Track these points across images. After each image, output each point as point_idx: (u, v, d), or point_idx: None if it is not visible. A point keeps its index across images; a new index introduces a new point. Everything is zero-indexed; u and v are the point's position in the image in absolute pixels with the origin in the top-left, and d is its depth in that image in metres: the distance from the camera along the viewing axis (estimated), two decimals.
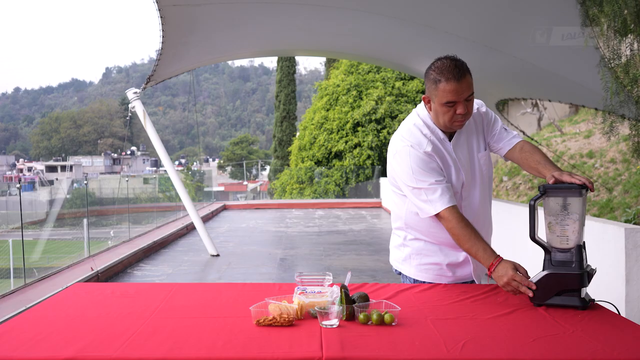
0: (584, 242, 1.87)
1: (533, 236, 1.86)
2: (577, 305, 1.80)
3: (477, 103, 2.19)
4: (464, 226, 1.98)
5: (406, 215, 2.19)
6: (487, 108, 2.24)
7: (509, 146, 2.18)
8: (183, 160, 67.98)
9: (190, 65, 9.09)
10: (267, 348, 1.49)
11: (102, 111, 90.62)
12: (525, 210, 4.96)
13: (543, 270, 1.85)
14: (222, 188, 43.67)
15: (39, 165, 73.35)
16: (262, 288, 2.12)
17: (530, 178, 12.54)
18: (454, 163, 2.11)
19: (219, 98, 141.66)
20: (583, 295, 1.81)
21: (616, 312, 1.82)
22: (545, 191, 1.83)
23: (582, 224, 1.83)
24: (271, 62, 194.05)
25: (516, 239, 4.83)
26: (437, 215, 2.03)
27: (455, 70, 1.96)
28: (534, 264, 2.06)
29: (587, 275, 1.81)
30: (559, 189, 1.83)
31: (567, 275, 1.81)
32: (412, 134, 2.10)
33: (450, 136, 2.13)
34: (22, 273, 6.13)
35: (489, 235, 2.28)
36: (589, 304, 1.82)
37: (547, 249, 1.86)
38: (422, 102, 2.13)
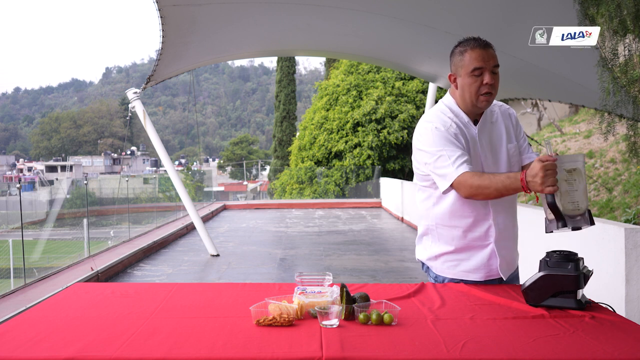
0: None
1: (554, 203, 1.82)
2: (572, 307, 1.80)
3: (506, 106, 2.25)
4: (480, 175, 1.95)
5: (430, 211, 2.20)
6: None
7: (527, 160, 2.19)
8: (183, 160, 68.03)
9: (190, 65, 9.08)
10: (267, 348, 1.49)
11: (102, 111, 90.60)
12: (524, 210, 4.96)
13: (539, 271, 1.85)
14: (222, 188, 43.62)
15: (39, 165, 73.33)
16: (262, 288, 2.12)
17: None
18: (478, 147, 2.12)
19: (219, 98, 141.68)
20: (579, 297, 1.81)
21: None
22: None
23: (585, 188, 1.85)
24: (271, 62, 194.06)
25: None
26: (454, 185, 1.99)
27: (480, 40, 2.06)
28: (534, 264, 2.06)
29: (583, 276, 1.81)
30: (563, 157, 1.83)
31: (563, 276, 1.81)
32: (438, 117, 2.12)
33: (475, 122, 2.15)
34: (22, 273, 6.13)
35: (515, 230, 2.23)
36: (585, 306, 1.82)
37: (562, 217, 1.83)
38: (447, 93, 2.18)
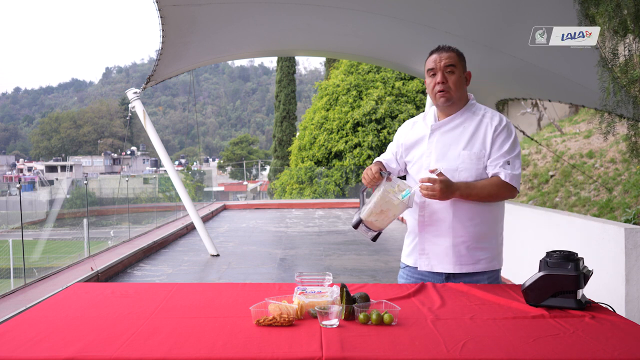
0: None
1: (364, 190, 2.26)
2: (572, 307, 1.80)
3: (502, 118, 2.18)
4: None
5: None
6: (514, 137, 2.16)
7: (491, 173, 2.14)
8: (183, 160, 68.02)
9: (190, 65, 9.08)
10: (267, 348, 1.49)
11: (102, 111, 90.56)
12: (524, 210, 4.97)
13: (539, 271, 1.86)
14: (222, 188, 43.62)
15: (39, 165, 73.31)
16: (262, 288, 2.13)
17: (530, 178, 12.54)
18: (426, 142, 2.22)
19: (219, 98, 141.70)
20: (579, 297, 1.81)
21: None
22: (387, 174, 2.16)
23: (371, 209, 2.13)
24: (271, 62, 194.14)
25: (516, 241, 4.83)
26: None
27: (440, 46, 2.27)
28: (534, 264, 2.06)
29: (583, 276, 1.81)
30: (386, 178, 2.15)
31: (563, 276, 1.81)
32: (420, 115, 2.40)
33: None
34: (22, 273, 6.13)
35: (459, 232, 2.15)
36: (585, 306, 1.82)
37: (362, 204, 2.23)
38: None
